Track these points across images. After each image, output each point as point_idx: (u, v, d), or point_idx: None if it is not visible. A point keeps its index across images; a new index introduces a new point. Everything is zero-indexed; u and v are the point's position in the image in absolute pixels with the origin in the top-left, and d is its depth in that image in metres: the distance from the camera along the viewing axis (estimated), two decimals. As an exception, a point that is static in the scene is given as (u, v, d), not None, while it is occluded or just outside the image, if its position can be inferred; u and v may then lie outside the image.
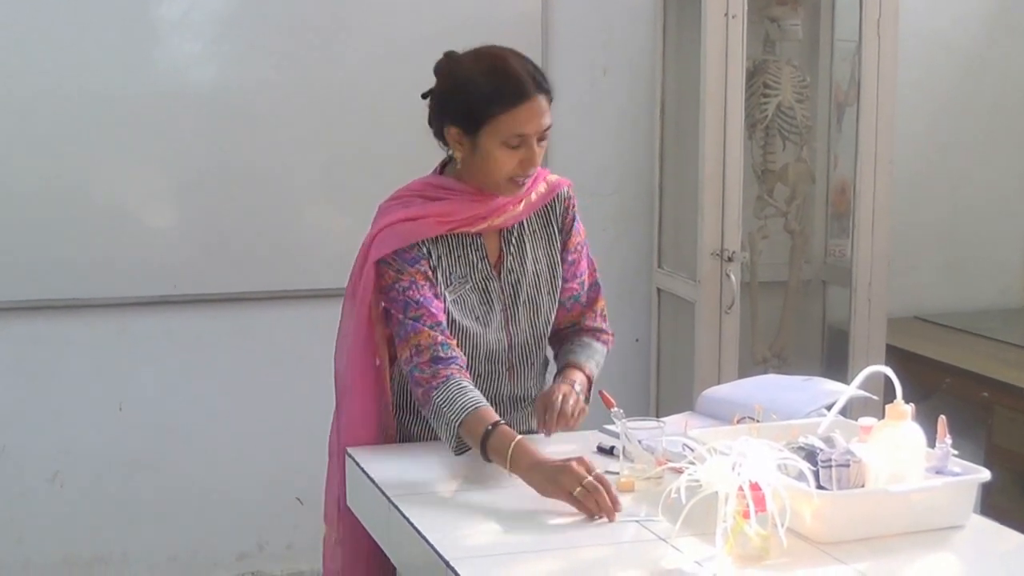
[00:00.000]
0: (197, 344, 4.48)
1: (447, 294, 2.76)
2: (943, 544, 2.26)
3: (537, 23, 4.52)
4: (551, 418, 2.69)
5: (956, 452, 2.38)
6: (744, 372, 4.46)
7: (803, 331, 4.85)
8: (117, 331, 4.40)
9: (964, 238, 5.23)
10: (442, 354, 2.67)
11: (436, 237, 2.75)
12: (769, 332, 4.70)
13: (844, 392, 2.52)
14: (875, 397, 2.77)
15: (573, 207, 2.91)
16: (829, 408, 2.56)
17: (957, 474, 2.35)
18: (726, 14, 4.18)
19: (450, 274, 2.77)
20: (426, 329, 2.67)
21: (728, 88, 4.22)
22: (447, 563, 2.16)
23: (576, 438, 2.88)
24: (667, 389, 4.76)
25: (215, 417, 4.51)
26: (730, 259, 4.28)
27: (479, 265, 2.79)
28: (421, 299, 2.69)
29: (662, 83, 4.67)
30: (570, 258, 2.90)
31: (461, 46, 2.78)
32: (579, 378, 2.83)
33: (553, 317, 2.91)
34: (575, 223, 2.91)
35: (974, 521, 2.35)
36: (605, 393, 2.75)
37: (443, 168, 2.85)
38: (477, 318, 2.80)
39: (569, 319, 2.96)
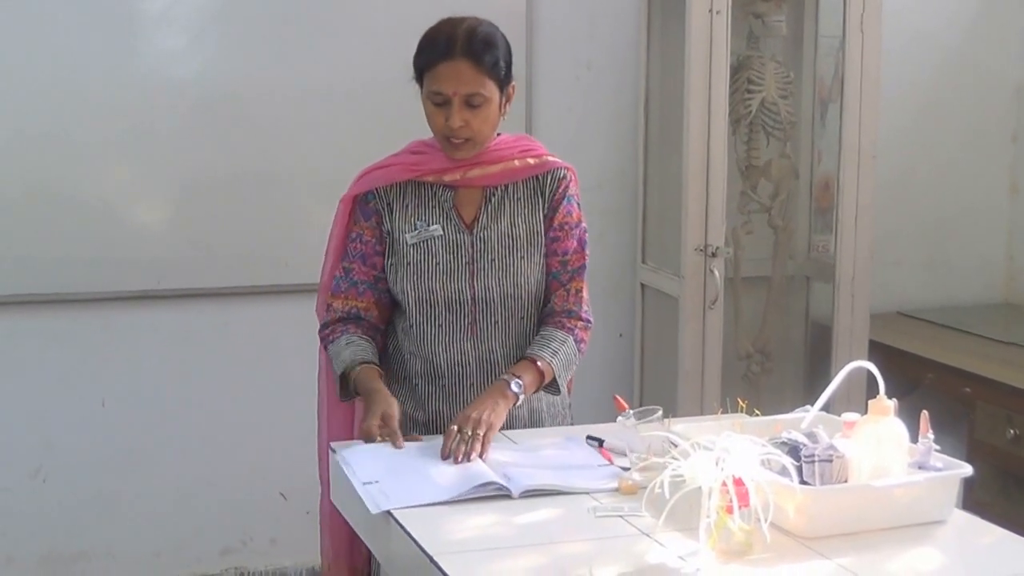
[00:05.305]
0: (181, 339, 4.46)
1: (408, 238, 2.89)
2: (925, 539, 2.27)
3: (522, 18, 4.52)
4: (445, 447, 2.65)
5: (938, 447, 2.39)
6: (728, 367, 4.46)
7: (786, 326, 4.86)
8: (101, 326, 4.38)
9: (947, 234, 5.24)
10: (350, 316, 2.94)
11: (406, 185, 2.91)
12: (752, 327, 4.71)
13: (827, 389, 2.52)
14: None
15: (566, 188, 2.96)
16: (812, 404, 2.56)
17: (939, 469, 2.35)
18: (710, 10, 4.19)
19: (416, 219, 2.89)
20: (343, 294, 2.95)
21: (712, 84, 4.23)
22: (431, 558, 2.16)
23: (564, 431, 2.91)
24: (650, 384, 4.76)
25: (199, 412, 4.50)
26: (714, 254, 4.29)
27: (449, 216, 2.90)
28: (358, 254, 2.94)
29: (646, 78, 4.67)
30: (552, 235, 2.96)
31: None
32: (525, 377, 2.83)
33: (530, 284, 2.93)
34: (565, 203, 2.96)
35: (956, 516, 2.36)
36: (619, 398, 2.75)
37: None
38: (438, 264, 2.88)
39: (545, 294, 2.99)
